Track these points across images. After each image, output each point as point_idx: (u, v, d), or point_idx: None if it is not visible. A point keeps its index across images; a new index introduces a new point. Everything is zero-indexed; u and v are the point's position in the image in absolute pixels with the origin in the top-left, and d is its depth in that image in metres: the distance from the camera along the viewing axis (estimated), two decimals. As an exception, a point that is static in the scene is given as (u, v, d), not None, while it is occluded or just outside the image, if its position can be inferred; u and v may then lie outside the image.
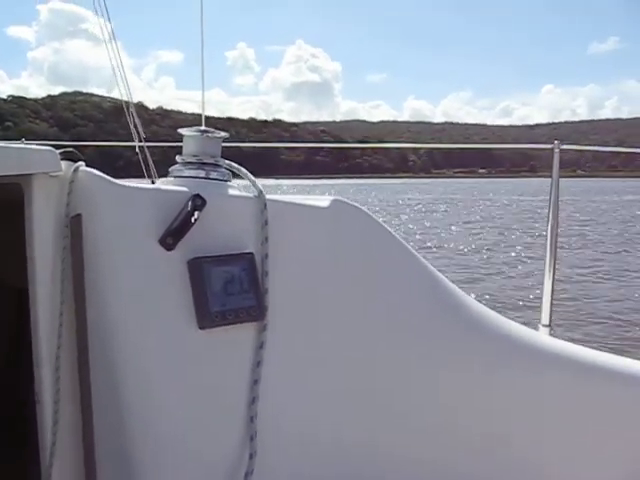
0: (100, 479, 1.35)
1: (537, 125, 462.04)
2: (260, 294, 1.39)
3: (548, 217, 3.15)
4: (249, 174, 1.47)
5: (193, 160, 1.44)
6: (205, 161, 1.44)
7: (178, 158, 1.47)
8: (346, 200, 1.59)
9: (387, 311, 1.59)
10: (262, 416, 1.41)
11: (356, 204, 1.60)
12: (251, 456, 1.39)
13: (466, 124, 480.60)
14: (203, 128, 1.46)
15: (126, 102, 3.86)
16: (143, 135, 3.83)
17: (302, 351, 1.49)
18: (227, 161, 1.47)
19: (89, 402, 1.33)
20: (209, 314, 1.32)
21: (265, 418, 1.41)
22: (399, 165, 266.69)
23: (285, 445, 1.47)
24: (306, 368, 1.50)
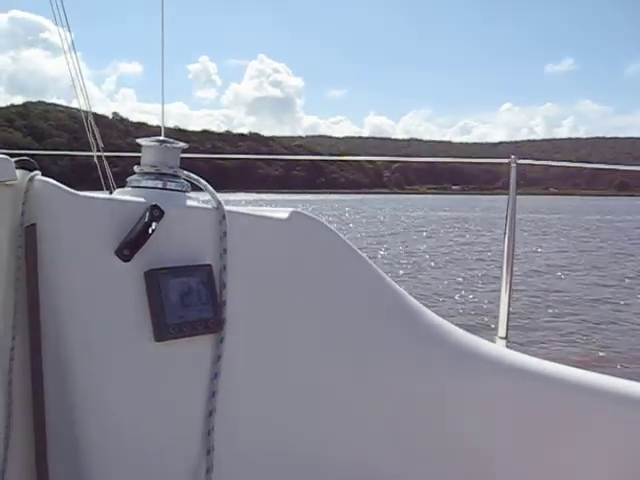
0: None
1: (500, 143, 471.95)
2: (218, 306, 1.39)
3: (505, 231, 3.18)
4: (208, 185, 1.46)
5: (151, 170, 1.42)
6: (163, 172, 1.41)
7: (136, 168, 1.45)
8: (305, 212, 1.58)
9: (345, 320, 1.60)
10: (219, 429, 1.40)
11: (315, 216, 1.60)
12: (208, 470, 1.38)
13: (431, 141, 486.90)
14: (162, 138, 1.44)
15: (85, 111, 3.73)
16: (101, 145, 3.74)
17: (260, 363, 1.49)
18: (186, 172, 1.45)
19: (42, 416, 1.30)
20: (166, 326, 1.31)
21: (222, 431, 1.40)
22: (374, 180, 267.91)
23: (243, 458, 1.47)
24: (264, 380, 1.50)
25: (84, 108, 3.77)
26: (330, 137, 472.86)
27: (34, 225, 1.27)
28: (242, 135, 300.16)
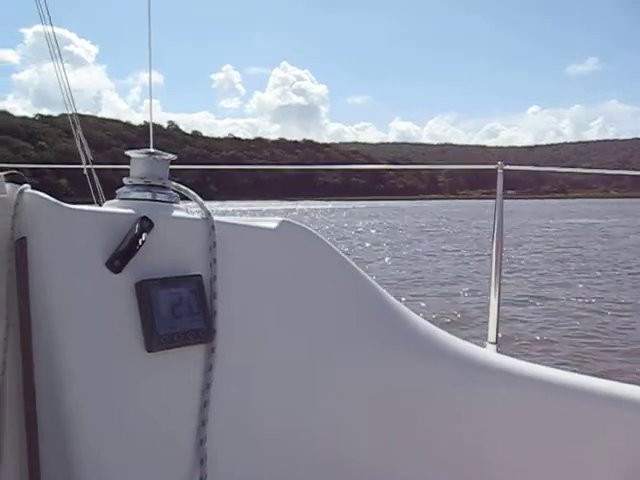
0: None
1: (536, 146, 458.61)
2: (208, 316, 1.39)
3: (493, 236, 3.17)
4: (197, 196, 1.47)
5: (141, 182, 1.42)
6: (152, 183, 1.42)
7: (125, 180, 1.45)
8: (294, 221, 1.59)
9: (335, 328, 1.62)
10: (211, 439, 1.41)
11: (304, 225, 1.61)
12: (201, 479, 1.39)
13: (466, 145, 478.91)
14: (152, 150, 1.45)
15: (72, 121, 3.72)
16: (90, 157, 3.78)
17: (251, 372, 1.49)
18: (175, 183, 1.46)
19: (34, 427, 1.30)
20: (157, 337, 1.31)
21: (215, 440, 1.42)
22: (430, 186, 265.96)
23: (236, 467, 1.48)
24: (256, 389, 1.51)
25: (75, 125, 3.71)
26: (365, 144, 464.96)
27: (24, 239, 1.26)
28: (296, 142, 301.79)
